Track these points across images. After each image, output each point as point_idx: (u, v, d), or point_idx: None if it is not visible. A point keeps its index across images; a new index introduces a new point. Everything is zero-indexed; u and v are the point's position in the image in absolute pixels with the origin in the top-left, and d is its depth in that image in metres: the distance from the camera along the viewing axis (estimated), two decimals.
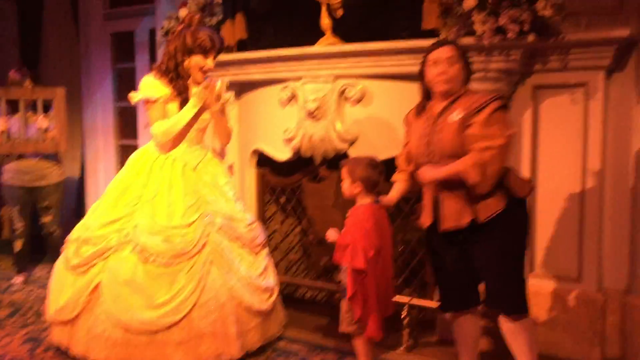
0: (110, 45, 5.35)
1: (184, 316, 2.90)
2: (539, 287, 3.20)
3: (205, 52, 3.11)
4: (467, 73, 2.61)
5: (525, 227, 2.63)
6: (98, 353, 2.93)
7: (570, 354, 3.13)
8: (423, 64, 2.64)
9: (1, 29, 6.14)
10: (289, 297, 3.86)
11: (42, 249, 4.88)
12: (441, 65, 2.55)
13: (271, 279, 3.28)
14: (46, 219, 4.60)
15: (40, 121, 4.37)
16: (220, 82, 3.33)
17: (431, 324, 3.41)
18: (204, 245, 3.02)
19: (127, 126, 5.42)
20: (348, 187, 2.86)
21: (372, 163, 2.84)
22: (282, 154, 3.82)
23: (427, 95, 2.68)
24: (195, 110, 3.11)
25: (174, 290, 2.93)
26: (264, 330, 3.21)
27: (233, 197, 3.29)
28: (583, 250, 3.12)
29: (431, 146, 2.59)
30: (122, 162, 5.27)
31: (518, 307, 2.56)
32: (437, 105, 2.63)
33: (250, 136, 4.04)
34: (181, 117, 3.11)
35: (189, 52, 3.11)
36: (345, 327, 2.84)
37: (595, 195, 3.08)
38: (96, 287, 3.00)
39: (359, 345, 2.86)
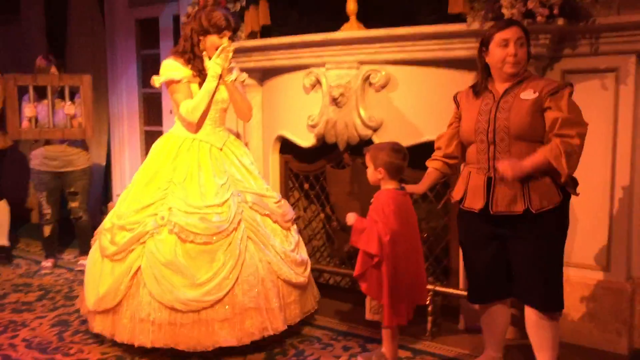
0: (135, 31, 5.38)
1: (227, 292, 2.94)
2: (566, 276, 3.11)
3: (219, 32, 3.15)
4: (529, 56, 2.54)
5: (567, 223, 2.57)
6: (144, 338, 2.94)
7: (596, 344, 3.09)
8: (487, 43, 2.53)
9: (28, 17, 6.22)
10: None
11: (71, 233, 4.98)
12: (511, 46, 2.45)
13: (304, 253, 3.37)
14: (73, 204, 4.67)
15: (68, 108, 4.42)
16: (235, 71, 3.36)
17: (455, 311, 3.39)
18: (239, 222, 3.06)
19: (152, 112, 5.45)
20: (372, 173, 2.84)
21: (395, 148, 2.81)
22: (305, 140, 3.81)
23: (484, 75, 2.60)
24: (215, 81, 3.15)
25: (215, 268, 2.96)
26: (303, 303, 3.27)
27: (259, 176, 3.37)
28: (612, 239, 3.06)
29: (494, 124, 2.48)
30: (147, 147, 5.32)
31: (555, 305, 2.52)
32: (499, 85, 2.54)
33: (274, 123, 4.03)
34: (204, 91, 3.16)
35: (205, 32, 3.16)
36: (370, 315, 2.84)
37: (625, 182, 3.01)
38: (136, 272, 3.01)
39: (384, 333, 2.85)
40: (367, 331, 3.34)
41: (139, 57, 5.42)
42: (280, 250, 3.17)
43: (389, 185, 2.80)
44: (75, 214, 4.69)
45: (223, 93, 3.28)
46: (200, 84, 3.20)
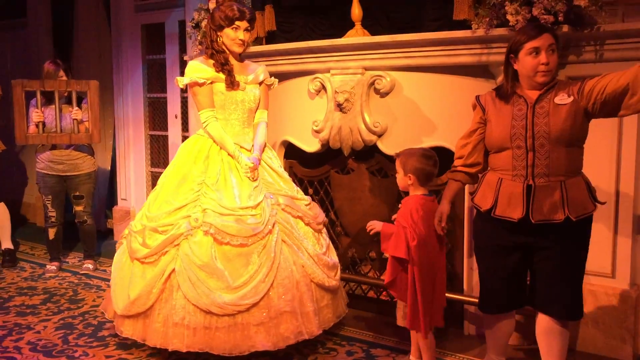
0: (140, 37, 5.41)
1: (263, 296, 2.88)
2: None
3: (232, 23, 3.14)
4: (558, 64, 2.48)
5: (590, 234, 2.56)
6: (179, 342, 2.87)
7: (601, 351, 3.08)
8: (516, 50, 2.45)
9: (35, 21, 6.26)
10: None
11: (75, 236, 5.00)
12: (543, 54, 2.38)
13: (334, 256, 3.33)
14: (78, 208, 4.69)
15: (75, 113, 4.44)
16: (262, 68, 3.39)
17: (459, 317, 3.39)
18: (274, 225, 3.03)
19: (158, 117, 5.48)
20: (401, 179, 2.80)
21: (426, 154, 2.77)
22: (310, 145, 3.82)
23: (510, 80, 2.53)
24: (233, 155, 3.16)
25: (251, 271, 2.91)
26: (335, 307, 3.22)
27: (289, 178, 3.37)
28: (617, 246, 3.06)
29: (532, 129, 2.40)
30: (152, 152, 5.37)
31: (577, 313, 2.51)
32: (529, 92, 2.47)
33: (279, 127, 4.05)
34: (226, 144, 3.16)
35: (219, 27, 3.17)
36: (402, 321, 2.81)
37: (629, 189, 3.01)
38: (169, 275, 2.94)
39: (422, 343, 2.81)
40: (371, 337, 3.34)
41: (144, 62, 5.44)
42: (313, 253, 3.13)
43: (417, 192, 2.77)
44: (80, 217, 4.70)
45: (253, 92, 3.27)
46: (226, 80, 3.17)
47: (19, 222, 6.02)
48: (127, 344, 3.26)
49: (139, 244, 3.07)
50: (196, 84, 3.17)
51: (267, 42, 3.95)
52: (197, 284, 2.87)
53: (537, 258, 2.51)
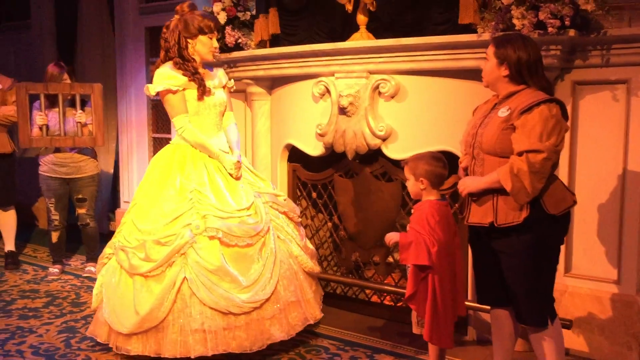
0: (144, 39, 5.40)
1: (273, 291, 3.04)
2: (576, 288, 3.13)
3: (211, 31, 3.23)
4: (513, 71, 2.44)
5: (553, 240, 2.50)
6: (202, 347, 2.89)
7: (606, 357, 3.06)
8: None
9: (39, 24, 6.26)
10: None
11: (78, 239, 4.99)
12: (483, 61, 2.57)
13: (309, 244, 3.50)
14: (81, 211, 4.68)
15: (79, 116, 4.43)
16: (222, 72, 3.48)
17: (463, 322, 3.37)
18: (269, 222, 3.20)
19: (161, 120, 5.47)
20: (413, 185, 2.72)
21: (434, 156, 2.72)
22: (314, 149, 3.81)
23: None
24: (216, 155, 3.24)
25: (258, 268, 3.06)
26: (319, 293, 3.44)
27: (262, 175, 3.53)
28: (622, 251, 3.04)
29: (476, 139, 2.51)
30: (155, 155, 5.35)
31: (536, 322, 2.50)
32: (493, 100, 2.57)
33: (282, 131, 4.04)
34: (207, 146, 3.23)
35: (193, 35, 3.21)
36: (418, 329, 2.75)
37: (635, 195, 2.99)
38: (181, 284, 2.94)
39: (432, 349, 2.77)
40: (374, 342, 3.32)
41: (148, 65, 5.44)
42: (300, 243, 3.33)
43: (431, 196, 2.69)
44: (82, 220, 4.70)
45: (220, 95, 3.35)
46: (198, 90, 3.21)
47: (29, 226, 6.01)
48: None
49: (140, 259, 3.01)
50: (169, 91, 3.20)
51: (271, 46, 3.94)
52: (213, 288, 2.93)
53: (498, 258, 2.56)
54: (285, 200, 3.46)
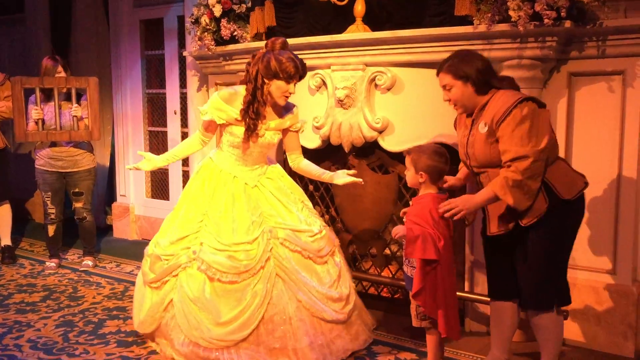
0: (139, 32, 5.38)
1: (252, 332, 2.88)
2: (573, 279, 3.13)
3: (289, 79, 2.96)
4: (479, 82, 2.53)
5: (568, 225, 2.58)
6: None
7: (603, 347, 3.08)
8: None
9: (33, 17, 6.23)
10: None
11: (74, 233, 4.98)
12: (444, 93, 2.63)
13: (344, 288, 3.14)
14: (77, 204, 4.67)
15: (75, 110, 4.41)
16: (291, 115, 3.21)
17: (460, 314, 3.38)
18: (267, 260, 2.97)
19: (157, 113, 5.47)
20: (412, 176, 2.73)
21: (437, 151, 2.71)
22: (311, 142, 3.81)
23: None
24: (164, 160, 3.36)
25: (241, 306, 2.90)
26: (351, 337, 3.10)
27: (296, 208, 3.18)
28: (618, 242, 3.05)
29: (469, 157, 2.63)
30: (151, 148, 5.36)
31: (540, 303, 2.55)
32: (471, 115, 2.65)
33: None
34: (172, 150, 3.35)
35: (272, 76, 2.96)
36: (417, 322, 2.75)
37: (631, 186, 3.00)
38: (168, 304, 3.05)
39: (430, 341, 2.78)
40: (373, 334, 3.33)
41: (143, 57, 5.42)
42: (313, 286, 3.01)
43: (430, 190, 2.70)
44: (79, 214, 4.69)
45: (270, 137, 3.13)
46: (245, 132, 3.03)
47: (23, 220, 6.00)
48: (127, 342, 3.27)
49: (147, 268, 3.17)
50: (213, 122, 3.10)
51: (267, 38, 3.92)
52: (189, 316, 2.94)
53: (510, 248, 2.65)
54: (313, 236, 3.10)
